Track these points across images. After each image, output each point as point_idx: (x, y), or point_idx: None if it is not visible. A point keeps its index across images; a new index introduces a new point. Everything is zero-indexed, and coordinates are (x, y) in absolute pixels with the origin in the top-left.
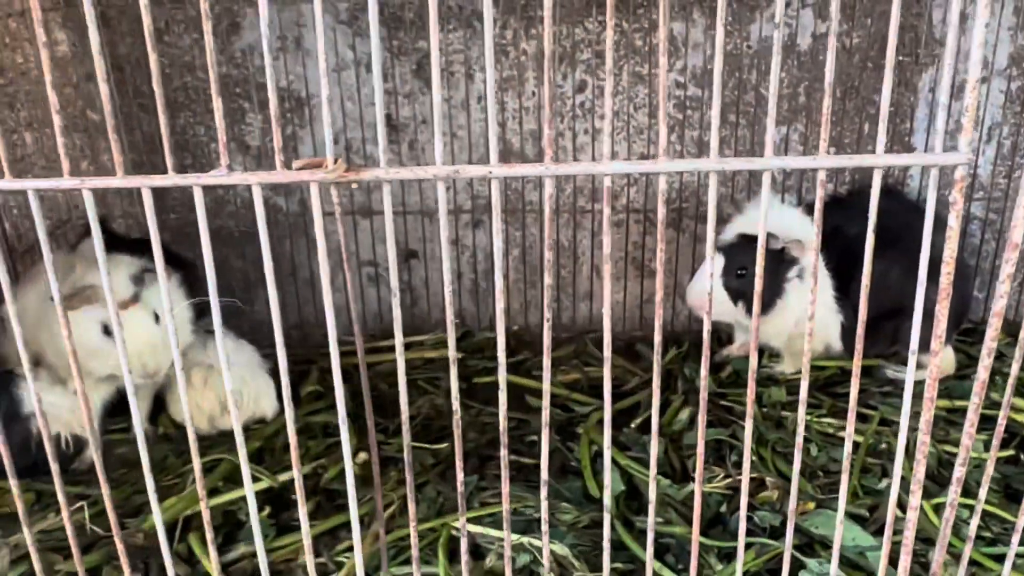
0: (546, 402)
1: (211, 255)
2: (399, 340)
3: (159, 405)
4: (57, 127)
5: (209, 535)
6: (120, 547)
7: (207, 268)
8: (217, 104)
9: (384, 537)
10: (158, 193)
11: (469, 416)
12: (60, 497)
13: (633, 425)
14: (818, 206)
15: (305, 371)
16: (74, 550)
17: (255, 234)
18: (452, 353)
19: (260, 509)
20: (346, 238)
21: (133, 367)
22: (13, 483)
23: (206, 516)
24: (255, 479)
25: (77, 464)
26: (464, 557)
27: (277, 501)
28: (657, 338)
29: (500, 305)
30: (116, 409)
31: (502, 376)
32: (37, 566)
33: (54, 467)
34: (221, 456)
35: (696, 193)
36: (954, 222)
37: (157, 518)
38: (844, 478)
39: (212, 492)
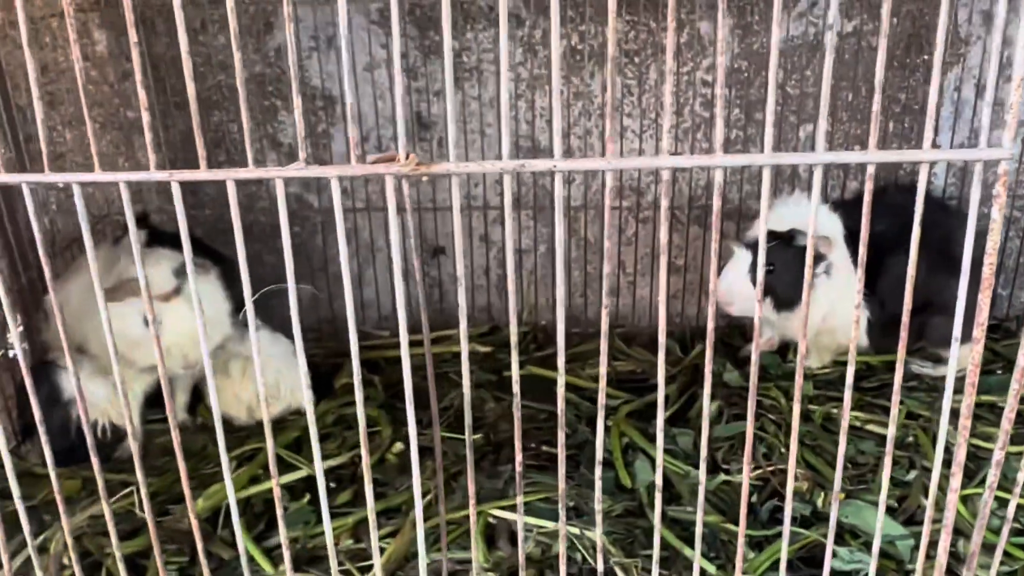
0: (602, 385)
1: (286, 244)
2: (463, 327)
3: (197, 396)
4: (146, 124)
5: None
6: (152, 531)
7: (240, 258)
8: (297, 102)
9: (444, 519)
10: (189, 188)
11: (501, 408)
12: (99, 483)
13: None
14: (867, 199)
15: (339, 364)
16: (113, 538)
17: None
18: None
19: (299, 496)
20: (410, 230)
21: (174, 358)
22: (52, 474)
23: (232, 500)
24: (294, 467)
25: (119, 453)
26: (521, 545)
27: (315, 489)
28: (711, 311)
29: (605, 289)
30: (156, 400)
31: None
32: (68, 541)
33: (93, 456)
34: (260, 445)
35: (723, 192)
36: (997, 214)
37: (189, 503)
38: (887, 466)
39: (253, 480)
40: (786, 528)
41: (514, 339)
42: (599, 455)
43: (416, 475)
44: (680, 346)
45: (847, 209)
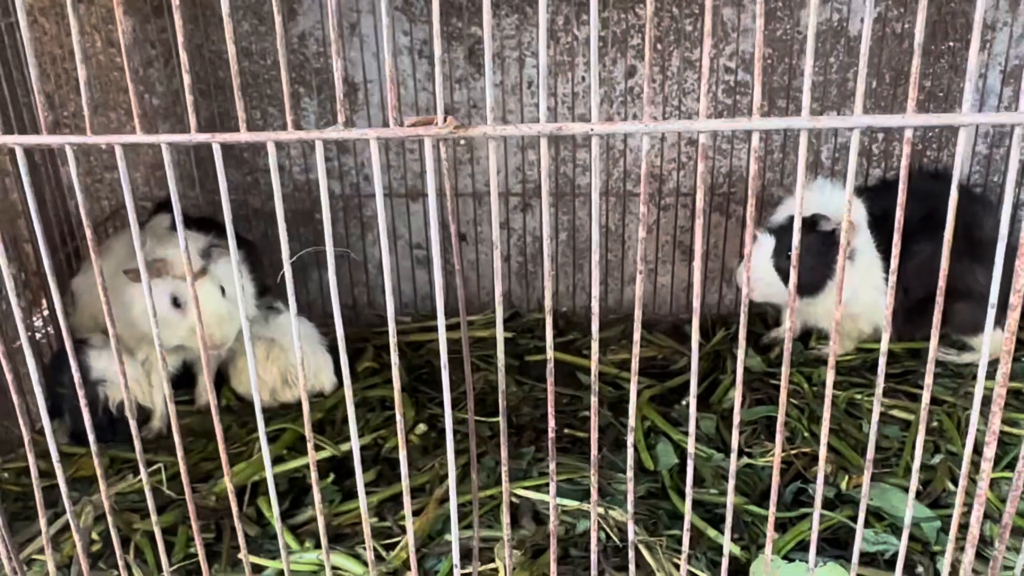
0: (635, 368)
1: (328, 217)
2: (500, 309)
3: (220, 378)
4: (187, 87)
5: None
6: (188, 498)
7: (281, 235)
8: (337, 64)
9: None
10: (214, 173)
11: (523, 392)
12: (137, 451)
13: (684, 402)
14: (904, 163)
15: (361, 348)
16: (152, 513)
17: (309, 214)
18: (464, 329)
19: (323, 476)
20: (453, 191)
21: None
22: (94, 448)
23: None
24: (318, 448)
25: (145, 433)
26: (553, 521)
27: (340, 469)
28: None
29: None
30: (180, 381)
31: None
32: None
33: (134, 429)
34: (284, 426)
35: (744, 179)
36: None
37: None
38: (918, 450)
39: (277, 460)
40: (817, 506)
41: (549, 318)
42: (631, 424)
43: (451, 448)
44: (701, 333)
45: (871, 195)
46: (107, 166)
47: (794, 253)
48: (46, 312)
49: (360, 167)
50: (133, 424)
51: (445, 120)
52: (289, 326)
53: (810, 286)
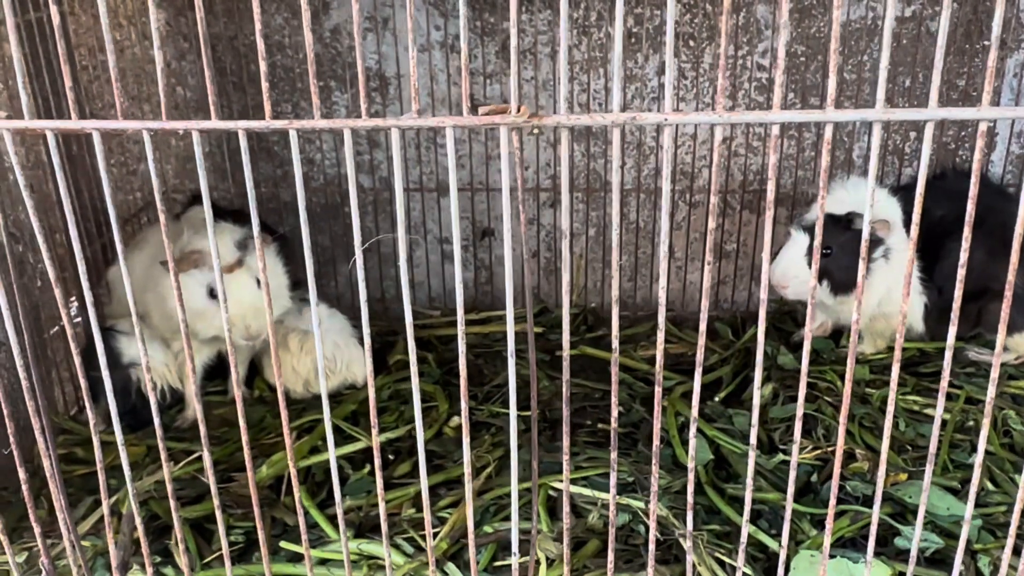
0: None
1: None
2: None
3: (254, 370)
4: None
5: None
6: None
7: (300, 229)
8: (412, 53)
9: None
10: (241, 166)
11: (555, 386)
12: (157, 432)
13: (717, 399)
14: (923, 160)
15: (391, 342)
16: (212, 490)
17: (338, 208)
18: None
19: (359, 467)
20: (520, 183)
21: (236, 329)
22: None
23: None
24: (353, 439)
25: (179, 423)
26: (567, 512)
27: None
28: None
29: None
30: (214, 372)
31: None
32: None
33: (154, 405)
34: (318, 417)
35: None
36: None
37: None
38: (980, 455)
39: (313, 451)
40: (877, 498)
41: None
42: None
43: (514, 426)
44: (732, 330)
45: (907, 194)
46: (140, 158)
47: (816, 250)
48: (76, 303)
49: (390, 161)
50: (154, 402)
51: (519, 110)
52: (324, 318)
53: (844, 284)
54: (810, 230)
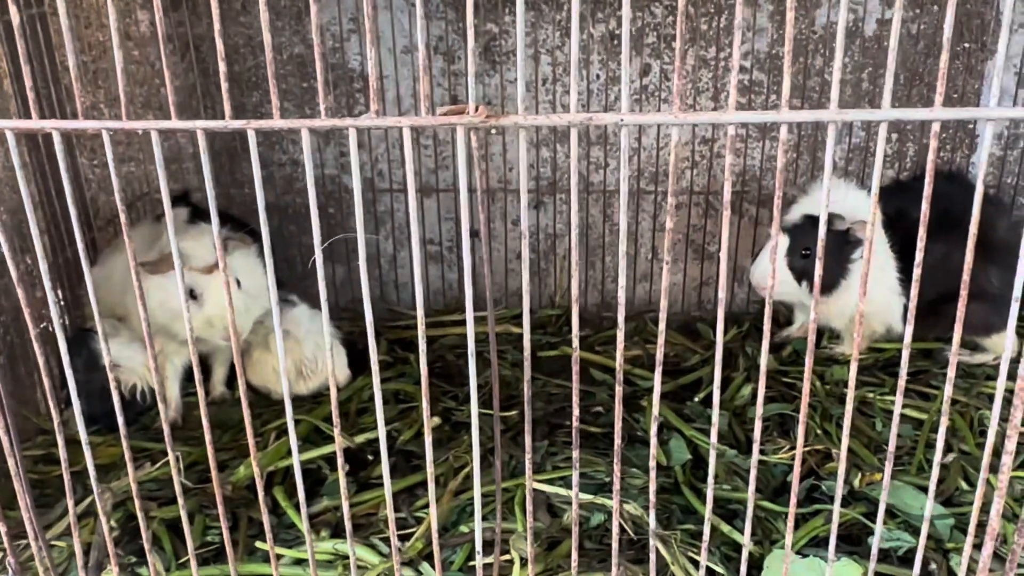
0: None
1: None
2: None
3: (235, 370)
4: (222, 74)
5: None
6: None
7: (312, 207)
8: (371, 53)
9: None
10: (228, 168)
11: (536, 387)
12: (124, 447)
13: (697, 399)
14: (878, 160)
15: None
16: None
17: (322, 209)
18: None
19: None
20: (480, 183)
21: (216, 329)
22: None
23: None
24: (332, 439)
25: (159, 422)
26: (574, 512)
27: (354, 460)
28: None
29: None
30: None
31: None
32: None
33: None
34: (299, 417)
35: (757, 178)
36: None
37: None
38: (938, 453)
39: (291, 451)
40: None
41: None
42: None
43: (475, 426)
44: (713, 331)
45: (885, 195)
46: (122, 158)
47: (819, 243)
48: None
49: (375, 162)
50: (118, 402)
51: (477, 110)
52: (305, 319)
53: (825, 285)
54: (790, 231)
